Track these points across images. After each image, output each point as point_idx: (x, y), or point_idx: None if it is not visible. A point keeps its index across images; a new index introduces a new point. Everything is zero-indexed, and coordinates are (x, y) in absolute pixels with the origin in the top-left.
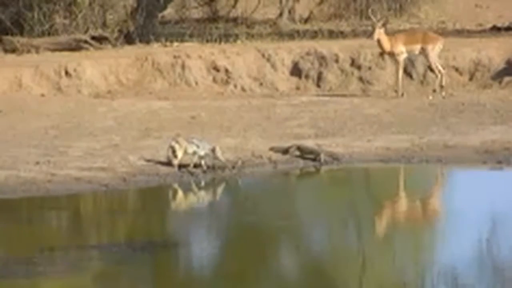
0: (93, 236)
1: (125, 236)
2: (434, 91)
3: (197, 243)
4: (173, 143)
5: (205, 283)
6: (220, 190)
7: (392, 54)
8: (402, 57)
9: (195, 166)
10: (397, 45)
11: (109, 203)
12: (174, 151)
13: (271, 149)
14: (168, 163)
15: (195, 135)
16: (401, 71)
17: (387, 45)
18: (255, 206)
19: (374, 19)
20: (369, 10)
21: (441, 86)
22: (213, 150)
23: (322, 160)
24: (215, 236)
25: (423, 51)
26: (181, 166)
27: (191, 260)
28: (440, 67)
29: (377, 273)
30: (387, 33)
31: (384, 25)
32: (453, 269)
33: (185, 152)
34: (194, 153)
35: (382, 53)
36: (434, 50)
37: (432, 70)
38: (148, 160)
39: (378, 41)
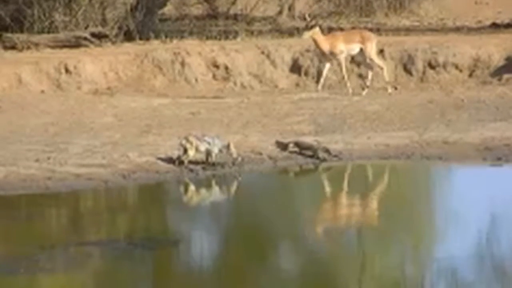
0: (93, 233)
1: (125, 233)
2: (367, 87)
3: (197, 240)
4: (184, 142)
5: (205, 279)
6: (220, 186)
7: (333, 54)
8: (343, 56)
9: (211, 164)
10: (337, 44)
11: (109, 200)
12: (185, 150)
13: (277, 142)
14: (172, 161)
15: (205, 133)
16: (344, 69)
17: (325, 46)
18: (254, 203)
19: (308, 18)
20: (306, 14)
21: (388, 82)
22: (228, 147)
23: (321, 156)
24: (215, 233)
25: (362, 50)
26: (190, 162)
27: (191, 257)
28: (381, 63)
29: (372, 272)
30: (325, 33)
31: (314, 26)
32: (450, 267)
33: (197, 150)
34: (207, 150)
35: (323, 55)
36: (373, 47)
37: (371, 68)
38: (148, 157)
39: (315, 42)
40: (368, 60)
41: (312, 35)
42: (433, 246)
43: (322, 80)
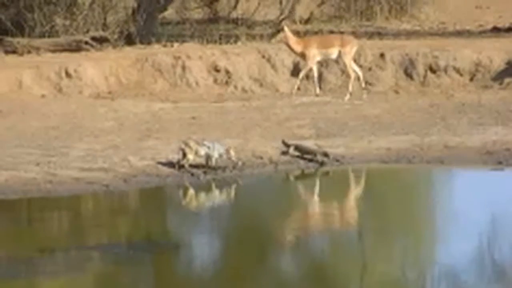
0: (93, 236)
1: (125, 237)
2: (350, 94)
3: (197, 243)
4: (183, 146)
5: (205, 283)
6: (220, 191)
7: (303, 56)
8: (314, 60)
9: (212, 168)
10: (311, 47)
11: (109, 203)
12: (184, 154)
13: (283, 142)
14: (173, 165)
15: (205, 137)
16: (303, 73)
17: (296, 47)
18: (254, 207)
19: (284, 24)
20: (283, 23)
21: (350, 93)
22: (227, 151)
23: (319, 160)
24: (215, 237)
25: (340, 55)
26: (192, 166)
27: (192, 261)
28: (357, 69)
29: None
30: (299, 35)
31: (282, 29)
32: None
33: (197, 155)
34: (207, 155)
35: (301, 56)
36: (351, 52)
37: (348, 73)
38: (149, 161)
39: (287, 44)
40: (345, 65)
41: (282, 38)
42: (433, 250)
43: (316, 82)
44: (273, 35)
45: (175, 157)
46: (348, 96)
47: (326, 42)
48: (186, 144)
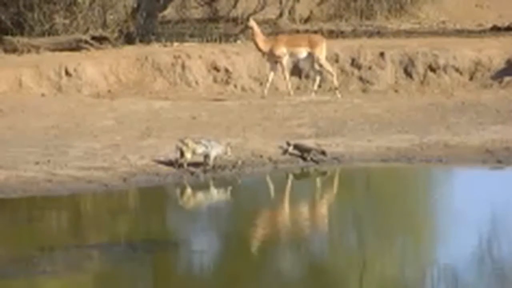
0: (93, 235)
1: (125, 236)
2: (335, 92)
3: (197, 243)
4: (180, 145)
5: (205, 283)
6: (220, 190)
7: (272, 56)
8: (285, 59)
9: (213, 167)
10: (279, 47)
11: (109, 202)
12: (182, 153)
13: (287, 143)
14: (172, 164)
15: (202, 136)
16: (286, 73)
17: (263, 46)
18: (254, 205)
19: (251, 22)
20: (251, 19)
21: (336, 88)
22: (225, 149)
23: (316, 159)
24: (215, 236)
25: (311, 55)
26: (190, 164)
27: (191, 260)
28: (330, 69)
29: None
30: (265, 34)
31: (250, 27)
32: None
33: (194, 153)
34: (204, 153)
35: (262, 55)
36: (322, 52)
37: (319, 72)
38: (149, 160)
39: (254, 42)
40: (316, 65)
41: (250, 36)
42: (432, 248)
43: (268, 84)
44: (241, 31)
45: (173, 156)
46: (338, 94)
47: (294, 41)
48: (184, 143)
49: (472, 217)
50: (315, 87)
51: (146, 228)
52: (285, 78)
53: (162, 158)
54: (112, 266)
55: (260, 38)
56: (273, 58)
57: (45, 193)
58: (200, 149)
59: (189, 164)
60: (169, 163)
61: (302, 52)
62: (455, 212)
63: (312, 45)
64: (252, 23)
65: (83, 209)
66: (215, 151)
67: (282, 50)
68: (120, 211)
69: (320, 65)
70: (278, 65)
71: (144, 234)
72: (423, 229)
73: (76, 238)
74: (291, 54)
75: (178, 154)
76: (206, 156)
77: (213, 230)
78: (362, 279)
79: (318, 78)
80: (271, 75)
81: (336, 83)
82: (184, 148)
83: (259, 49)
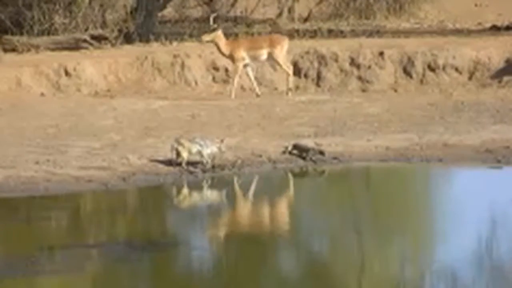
0: (92, 235)
1: (124, 235)
2: (288, 93)
3: (196, 242)
4: (176, 145)
5: (205, 282)
6: (219, 189)
7: (232, 59)
8: (242, 63)
9: (213, 166)
10: (239, 50)
11: (108, 202)
12: (178, 153)
13: (293, 145)
14: (171, 163)
15: (196, 135)
16: (237, 78)
17: (224, 49)
18: (253, 205)
19: (212, 23)
20: (211, 17)
21: (289, 89)
22: (219, 147)
23: (314, 159)
24: (215, 235)
25: (271, 55)
26: (189, 164)
27: (191, 260)
28: (287, 68)
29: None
30: (227, 37)
31: (216, 29)
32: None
33: (190, 152)
34: (199, 152)
35: (229, 58)
36: (282, 51)
37: (286, 71)
38: (148, 160)
39: (216, 45)
40: (279, 65)
41: (213, 39)
42: (432, 249)
43: (233, 88)
44: (203, 33)
45: (168, 155)
46: (290, 94)
47: (255, 44)
48: (179, 143)
49: (471, 216)
50: (290, 85)
51: (145, 227)
52: (233, 82)
53: (161, 158)
54: (111, 266)
55: (223, 42)
56: (230, 60)
57: (44, 192)
58: (194, 148)
59: (188, 163)
60: (169, 163)
61: (264, 54)
62: (454, 211)
63: (272, 44)
64: (218, 31)
65: (83, 209)
66: (210, 149)
67: (241, 54)
68: (119, 210)
69: (278, 64)
70: (236, 68)
71: (143, 233)
72: (423, 229)
73: (76, 237)
74: (253, 58)
75: (174, 154)
76: (200, 155)
77: (212, 229)
78: (361, 279)
79: (288, 78)
80: (237, 77)
81: (291, 84)
82: (180, 148)
83: (221, 53)
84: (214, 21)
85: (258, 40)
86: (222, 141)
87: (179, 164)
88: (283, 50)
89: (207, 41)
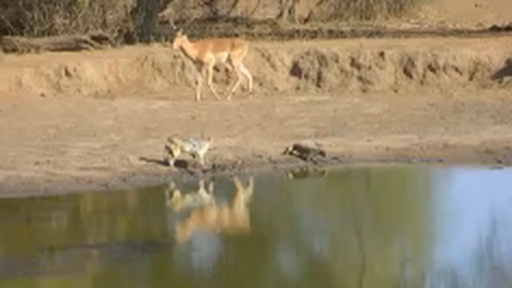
0: (92, 235)
1: (124, 236)
2: (249, 93)
3: (196, 242)
4: (168, 144)
5: (205, 282)
6: (219, 190)
7: (200, 62)
8: (212, 65)
9: (213, 166)
10: (206, 53)
11: (108, 202)
12: (170, 151)
13: (294, 146)
14: (166, 163)
15: (191, 134)
16: (210, 79)
17: (192, 53)
18: (253, 205)
19: (174, 27)
20: (170, 19)
21: (249, 91)
22: (210, 146)
23: (314, 159)
24: (215, 236)
25: (229, 57)
26: (177, 163)
27: (191, 260)
28: (246, 72)
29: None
30: (191, 40)
31: (183, 33)
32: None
33: (182, 151)
34: (192, 151)
35: (192, 62)
36: (241, 56)
37: (237, 76)
38: (148, 160)
39: (182, 49)
40: (233, 68)
41: (181, 44)
42: (432, 249)
43: (198, 89)
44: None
45: (163, 155)
46: (229, 97)
47: (219, 46)
48: (171, 141)
49: (471, 217)
50: (234, 89)
51: (145, 228)
52: (207, 84)
53: (161, 158)
54: (111, 266)
55: (188, 45)
56: (199, 64)
57: (44, 193)
58: (188, 147)
59: (176, 163)
60: (166, 163)
61: (225, 57)
62: (455, 212)
63: (232, 48)
64: (180, 33)
65: (83, 209)
66: (204, 149)
67: (209, 56)
68: (119, 211)
69: (232, 66)
70: (203, 70)
71: (143, 234)
72: (423, 230)
73: (76, 238)
74: (216, 59)
75: (166, 153)
76: (197, 154)
77: (212, 230)
78: (362, 280)
79: (249, 80)
80: (200, 79)
81: (250, 87)
82: (172, 146)
83: (188, 57)
84: (176, 24)
85: (222, 42)
86: (209, 139)
87: (168, 164)
88: (242, 55)
89: (177, 48)
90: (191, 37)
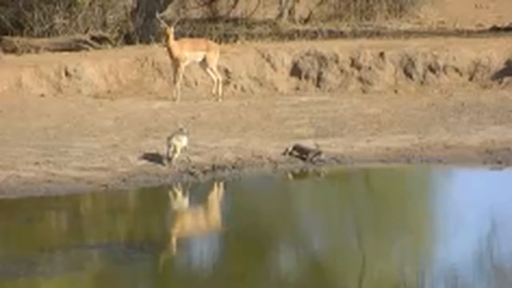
0: (92, 236)
1: (124, 236)
2: (215, 95)
3: (196, 243)
4: (175, 141)
5: (204, 283)
6: (219, 190)
7: (176, 60)
8: (185, 64)
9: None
10: (183, 51)
11: (108, 203)
12: (175, 149)
13: (294, 147)
14: (161, 160)
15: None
16: (181, 76)
17: (175, 50)
18: (253, 206)
19: (164, 24)
20: (157, 15)
21: (217, 93)
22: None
23: (313, 160)
24: (214, 236)
25: (205, 59)
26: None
27: (190, 260)
28: (218, 75)
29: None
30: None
31: (168, 32)
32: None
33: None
34: (184, 149)
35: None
36: (216, 57)
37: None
38: (148, 160)
39: (168, 46)
40: (208, 69)
41: (166, 39)
42: (432, 249)
43: (178, 89)
44: (165, 39)
45: (163, 154)
46: (220, 100)
47: (195, 46)
48: (178, 139)
49: (471, 217)
50: (220, 91)
51: (145, 228)
52: (177, 81)
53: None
54: (111, 266)
55: (173, 43)
56: (175, 62)
57: (45, 193)
58: (181, 145)
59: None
60: (162, 160)
61: (200, 57)
62: (455, 212)
63: (208, 48)
64: (169, 30)
65: (83, 210)
66: (183, 143)
67: (185, 55)
68: (119, 211)
69: (210, 68)
70: (177, 68)
71: (143, 234)
72: (423, 230)
73: (76, 238)
74: (192, 58)
75: (171, 150)
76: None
77: (212, 230)
78: (362, 280)
79: (220, 84)
80: (180, 79)
81: (219, 90)
82: (178, 144)
83: (171, 54)
84: (162, 19)
85: (198, 42)
86: (187, 133)
87: (167, 160)
88: (216, 57)
89: (174, 44)
90: (191, 37)
